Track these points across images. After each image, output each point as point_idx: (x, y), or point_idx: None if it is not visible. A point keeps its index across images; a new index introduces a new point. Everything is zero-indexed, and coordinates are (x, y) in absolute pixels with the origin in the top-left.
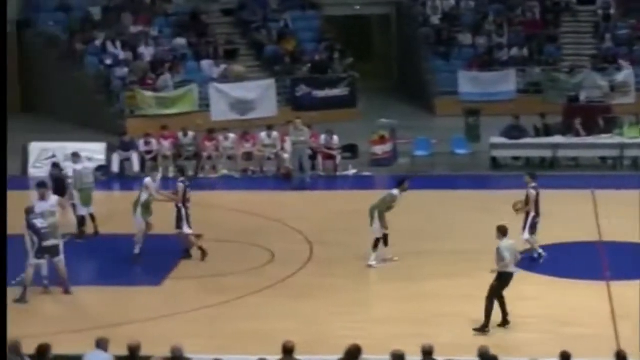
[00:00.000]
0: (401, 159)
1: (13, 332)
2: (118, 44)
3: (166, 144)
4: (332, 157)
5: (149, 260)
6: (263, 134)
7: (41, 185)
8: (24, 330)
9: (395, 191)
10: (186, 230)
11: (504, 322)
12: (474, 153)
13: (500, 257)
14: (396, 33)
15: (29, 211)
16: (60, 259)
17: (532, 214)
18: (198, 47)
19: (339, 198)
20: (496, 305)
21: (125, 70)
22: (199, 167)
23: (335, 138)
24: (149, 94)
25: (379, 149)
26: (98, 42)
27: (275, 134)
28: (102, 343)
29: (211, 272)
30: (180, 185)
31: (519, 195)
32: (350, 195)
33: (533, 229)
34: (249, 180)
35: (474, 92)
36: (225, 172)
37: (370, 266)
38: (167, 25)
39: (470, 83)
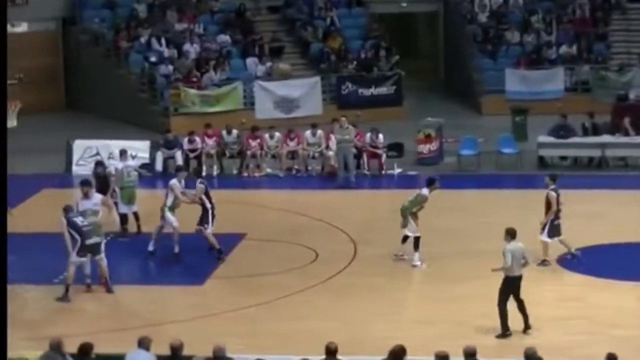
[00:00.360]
0: (447, 158)
1: (55, 330)
2: (163, 41)
3: (210, 142)
4: (377, 156)
5: (191, 259)
6: (308, 133)
7: (85, 183)
8: (66, 328)
9: (425, 191)
10: (208, 229)
11: (526, 327)
12: (520, 152)
13: (503, 260)
14: (443, 30)
15: (68, 209)
16: (102, 257)
17: (551, 216)
18: (243, 45)
19: (383, 197)
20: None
21: (170, 67)
22: (243, 165)
23: (381, 136)
24: (193, 91)
25: (425, 148)
26: (143, 40)
27: (320, 132)
28: (144, 342)
29: (254, 271)
30: (201, 187)
31: (565, 195)
32: (395, 194)
33: (554, 231)
34: (293, 179)
35: (521, 91)
36: (269, 170)
37: (415, 266)
38: (212, 23)
39: (517, 81)
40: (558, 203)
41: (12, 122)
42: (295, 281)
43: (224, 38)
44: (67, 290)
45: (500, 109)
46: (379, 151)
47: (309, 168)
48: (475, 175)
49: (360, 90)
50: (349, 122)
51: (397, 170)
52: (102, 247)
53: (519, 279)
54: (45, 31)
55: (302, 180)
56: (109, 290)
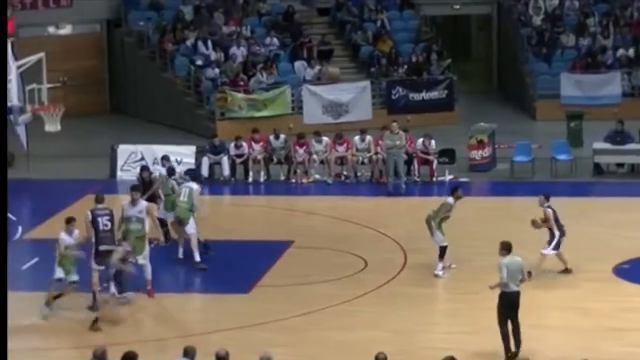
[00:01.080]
0: (500, 164)
1: (99, 339)
2: (209, 44)
3: (257, 147)
4: (428, 162)
5: (237, 267)
6: (357, 138)
7: (135, 188)
8: (109, 337)
9: (450, 199)
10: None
11: (514, 355)
12: (575, 159)
13: (499, 275)
14: (496, 33)
15: (98, 200)
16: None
17: (557, 233)
18: (291, 48)
19: (435, 204)
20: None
21: (217, 71)
22: (291, 171)
23: (432, 142)
24: (240, 95)
25: (477, 154)
26: (189, 42)
27: (369, 137)
28: (190, 352)
29: (301, 280)
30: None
31: (622, 203)
32: None
33: (557, 248)
34: (342, 185)
35: (576, 96)
36: (317, 177)
37: (437, 276)
38: (259, 25)
39: (572, 86)
40: (557, 219)
41: (55, 127)
42: (343, 290)
43: (272, 41)
44: (94, 298)
45: (554, 114)
46: (430, 157)
47: (358, 174)
48: (528, 183)
49: (410, 95)
50: (400, 128)
51: (449, 177)
52: (145, 253)
53: (516, 295)
54: (90, 33)
55: (351, 187)
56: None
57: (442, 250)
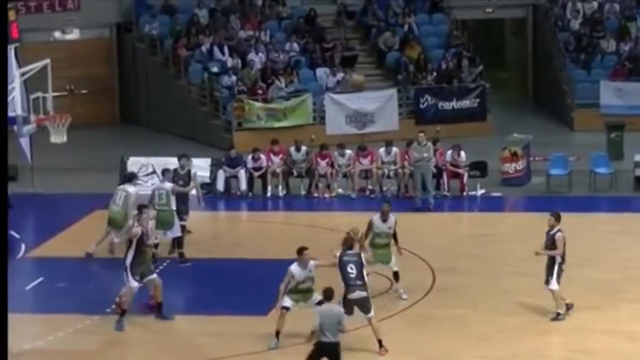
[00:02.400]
0: (535, 178)
1: None
2: (226, 49)
3: (276, 160)
4: (458, 176)
5: (256, 287)
6: (382, 150)
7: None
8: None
9: (374, 218)
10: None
11: None
12: (616, 172)
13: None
14: (532, 38)
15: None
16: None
17: (559, 259)
18: (313, 54)
19: (465, 221)
20: None
21: (233, 78)
22: (312, 185)
23: (463, 154)
24: (258, 104)
25: (511, 167)
26: (204, 48)
27: (395, 149)
28: None
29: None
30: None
31: None
32: (478, 217)
33: (559, 278)
34: (367, 200)
35: (617, 105)
36: (340, 191)
37: (403, 299)
38: (279, 29)
39: (613, 94)
40: (564, 245)
41: (61, 138)
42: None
43: (292, 46)
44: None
45: (593, 125)
46: (460, 170)
47: (384, 188)
48: (565, 197)
49: (440, 104)
50: (428, 139)
51: (480, 192)
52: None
53: (329, 346)
54: (99, 38)
55: (376, 202)
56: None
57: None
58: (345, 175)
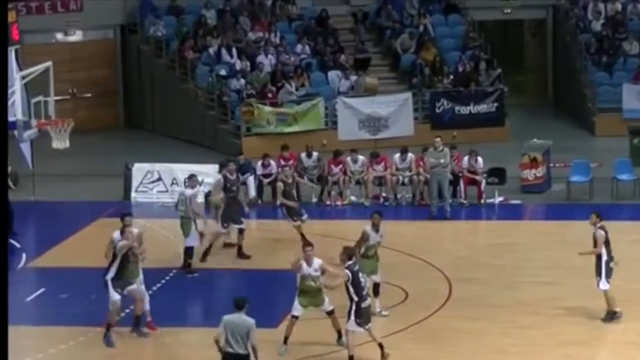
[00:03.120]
0: (555, 185)
1: None
2: (234, 51)
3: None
4: (475, 183)
5: (265, 299)
6: (397, 156)
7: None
8: None
9: (367, 228)
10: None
11: None
12: (639, 179)
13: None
14: (552, 40)
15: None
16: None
17: (605, 257)
18: (325, 56)
19: (483, 230)
20: None
21: (242, 81)
22: (324, 193)
23: (480, 160)
24: (268, 109)
25: (530, 174)
26: (212, 50)
27: (410, 155)
28: None
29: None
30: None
31: None
32: (496, 226)
33: (609, 277)
34: (381, 208)
35: None
36: (353, 199)
37: (384, 316)
38: (290, 31)
39: (636, 98)
40: (608, 242)
41: (63, 143)
42: (381, 324)
43: (303, 48)
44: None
45: (616, 130)
46: (477, 177)
47: (398, 196)
48: (587, 205)
49: (457, 108)
50: (444, 144)
51: (498, 199)
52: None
53: (234, 357)
54: (102, 40)
55: (391, 210)
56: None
57: (376, 287)
58: (358, 182)
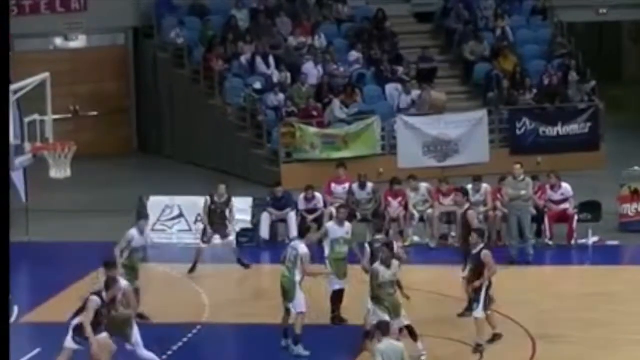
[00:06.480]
0: None
1: None
2: (271, 60)
3: (339, 189)
4: (565, 219)
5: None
6: (469, 187)
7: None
8: None
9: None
10: None
11: None
12: None
13: None
14: None
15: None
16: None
17: (486, 282)
18: (381, 66)
19: (573, 276)
20: None
21: (281, 97)
22: (381, 231)
23: (570, 192)
24: (312, 130)
25: (631, 209)
26: (244, 59)
27: (485, 186)
28: None
29: None
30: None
31: None
32: (590, 272)
33: (489, 303)
34: (449, 250)
35: None
36: (416, 238)
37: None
38: (339, 35)
39: None
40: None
41: (64, 172)
42: None
43: (355, 56)
44: None
45: None
46: (568, 210)
47: None
48: None
49: (541, 129)
50: (526, 173)
51: (592, 240)
52: None
53: None
54: (111, 46)
55: (461, 253)
56: None
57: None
58: (422, 219)
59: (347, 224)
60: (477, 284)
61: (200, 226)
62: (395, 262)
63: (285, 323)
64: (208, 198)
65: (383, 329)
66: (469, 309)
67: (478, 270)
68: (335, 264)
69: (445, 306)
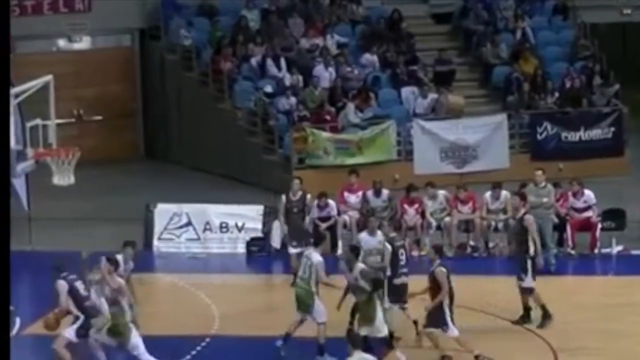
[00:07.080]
0: None
1: None
2: (283, 62)
3: (353, 198)
4: (588, 228)
5: None
6: (488, 195)
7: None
8: None
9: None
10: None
11: None
12: None
13: None
14: None
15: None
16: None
17: (445, 300)
18: (397, 68)
19: (596, 286)
20: None
21: (293, 100)
22: (398, 229)
23: (592, 199)
24: (325, 135)
25: None
26: (254, 61)
27: (505, 194)
28: None
29: None
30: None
31: None
32: (613, 282)
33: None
34: (468, 260)
35: None
36: None
37: None
38: (353, 36)
39: None
40: (449, 281)
41: (67, 179)
42: None
43: (370, 58)
44: None
45: None
46: (590, 218)
47: (490, 245)
48: None
49: (563, 134)
50: (548, 180)
51: (616, 249)
52: None
53: None
54: (116, 48)
55: (480, 263)
56: None
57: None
58: (439, 227)
59: (379, 234)
60: (436, 301)
61: (209, 235)
62: (379, 232)
63: (292, 330)
64: (283, 197)
65: (354, 341)
66: (527, 317)
67: (435, 288)
68: None
69: (462, 317)
